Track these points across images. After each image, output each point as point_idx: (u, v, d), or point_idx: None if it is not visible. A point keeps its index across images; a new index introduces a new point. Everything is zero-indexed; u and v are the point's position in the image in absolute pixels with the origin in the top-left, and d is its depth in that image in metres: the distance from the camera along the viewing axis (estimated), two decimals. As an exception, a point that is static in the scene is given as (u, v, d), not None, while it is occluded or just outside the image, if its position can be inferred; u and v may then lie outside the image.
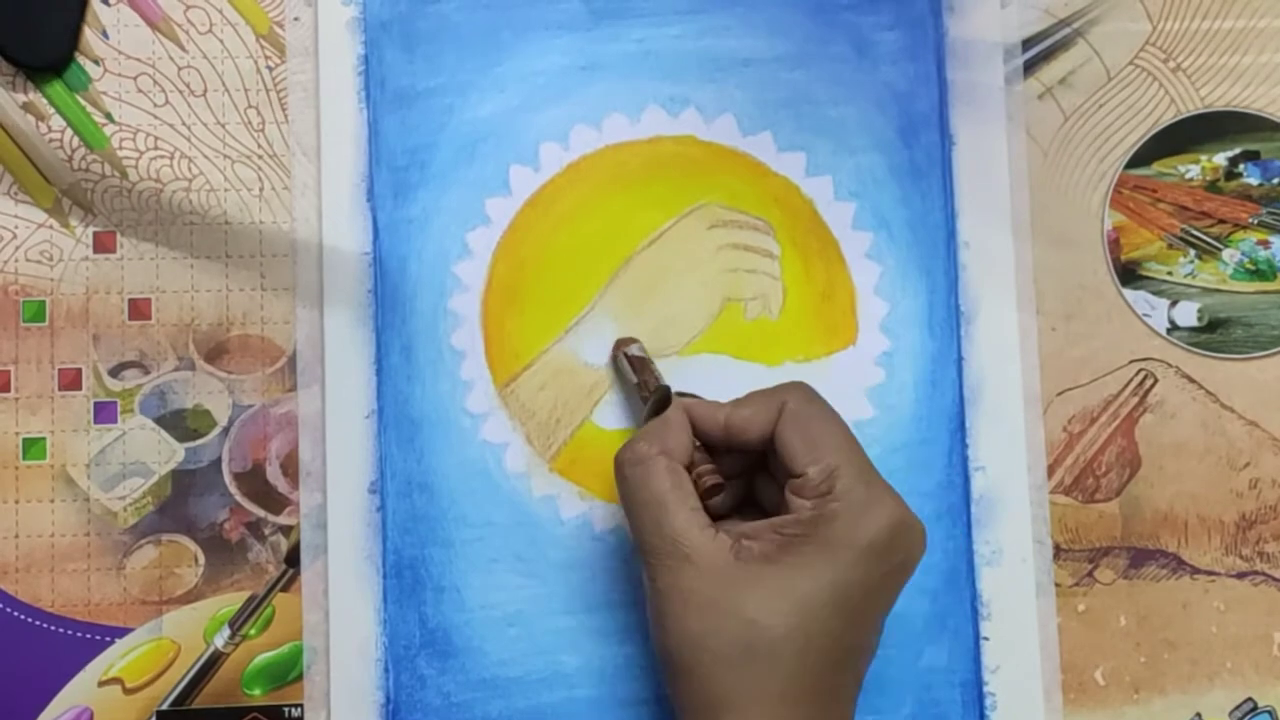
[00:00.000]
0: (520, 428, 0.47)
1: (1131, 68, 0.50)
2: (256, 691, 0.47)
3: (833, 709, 0.40)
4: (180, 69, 0.49)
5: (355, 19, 0.48)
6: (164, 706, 0.46)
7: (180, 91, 0.48)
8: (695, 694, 0.40)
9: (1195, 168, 0.50)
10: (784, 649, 0.39)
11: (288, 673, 0.47)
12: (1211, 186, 0.50)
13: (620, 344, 0.47)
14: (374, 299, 0.47)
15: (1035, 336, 0.49)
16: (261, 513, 0.47)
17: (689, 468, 0.42)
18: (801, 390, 0.43)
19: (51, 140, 0.48)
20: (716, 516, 0.42)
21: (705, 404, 0.43)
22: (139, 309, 0.48)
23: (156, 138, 0.48)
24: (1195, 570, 0.49)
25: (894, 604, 0.41)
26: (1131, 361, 0.49)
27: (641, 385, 0.45)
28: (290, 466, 0.47)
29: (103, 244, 0.48)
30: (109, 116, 0.48)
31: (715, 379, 0.47)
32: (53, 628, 0.46)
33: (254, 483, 0.47)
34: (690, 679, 0.40)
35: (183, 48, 0.49)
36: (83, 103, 0.48)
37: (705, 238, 0.48)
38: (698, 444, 0.43)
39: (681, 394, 0.45)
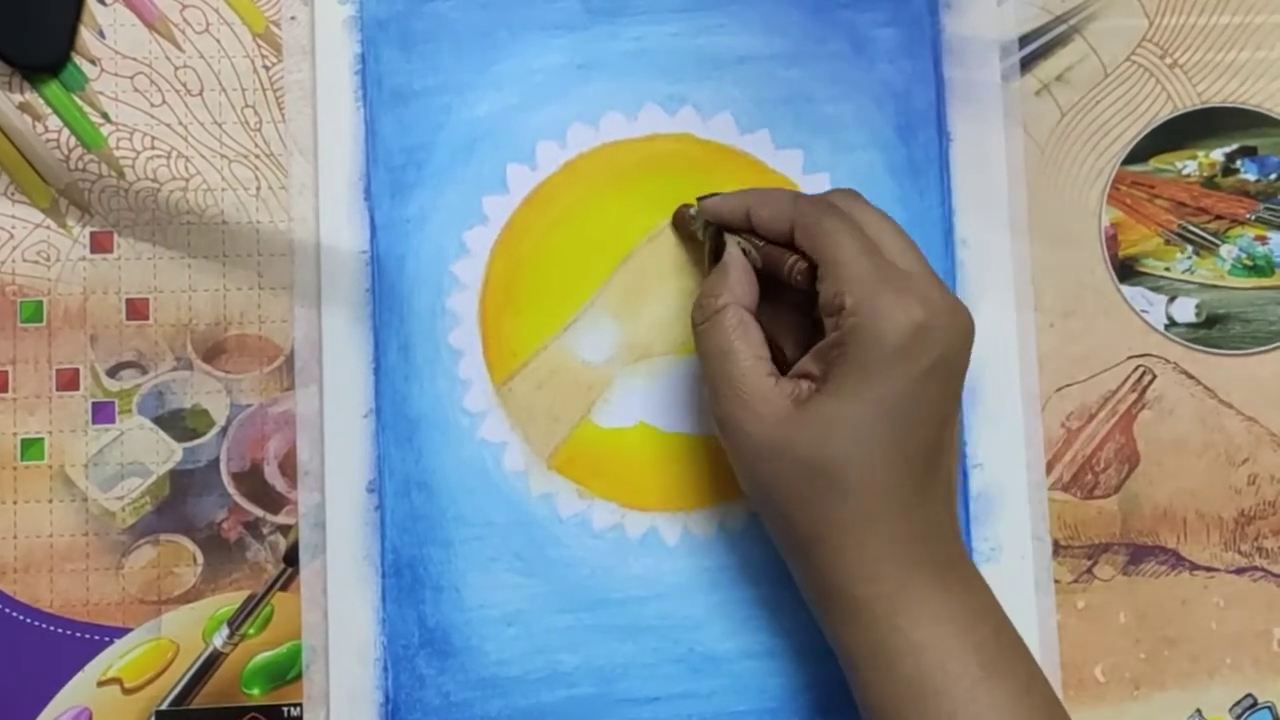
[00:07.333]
0: (518, 426, 0.47)
1: (1128, 64, 0.50)
2: (255, 691, 0.47)
3: (920, 513, 0.40)
4: (177, 68, 0.48)
5: (352, 18, 0.48)
6: (163, 706, 0.46)
7: (177, 91, 0.48)
8: (780, 533, 0.42)
9: (1192, 164, 0.50)
10: (847, 477, 0.39)
11: (286, 672, 0.47)
12: (1209, 182, 0.50)
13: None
14: (372, 298, 0.47)
15: (1033, 333, 0.49)
16: (260, 512, 0.47)
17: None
18: (819, 197, 0.43)
19: (48, 140, 0.48)
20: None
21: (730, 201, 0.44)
22: (136, 309, 0.48)
23: (153, 137, 0.48)
24: (1194, 566, 0.49)
25: (957, 395, 0.41)
26: (1130, 358, 0.49)
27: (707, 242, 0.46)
28: (288, 466, 0.47)
29: (100, 244, 0.48)
30: (106, 116, 0.48)
31: (713, 377, 0.47)
32: (51, 628, 0.46)
33: (252, 482, 0.47)
34: (771, 520, 0.42)
35: (179, 47, 0.49)
36: (79, 103, 0.48)
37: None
38: (761, 243, 0.43)
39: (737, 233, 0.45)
